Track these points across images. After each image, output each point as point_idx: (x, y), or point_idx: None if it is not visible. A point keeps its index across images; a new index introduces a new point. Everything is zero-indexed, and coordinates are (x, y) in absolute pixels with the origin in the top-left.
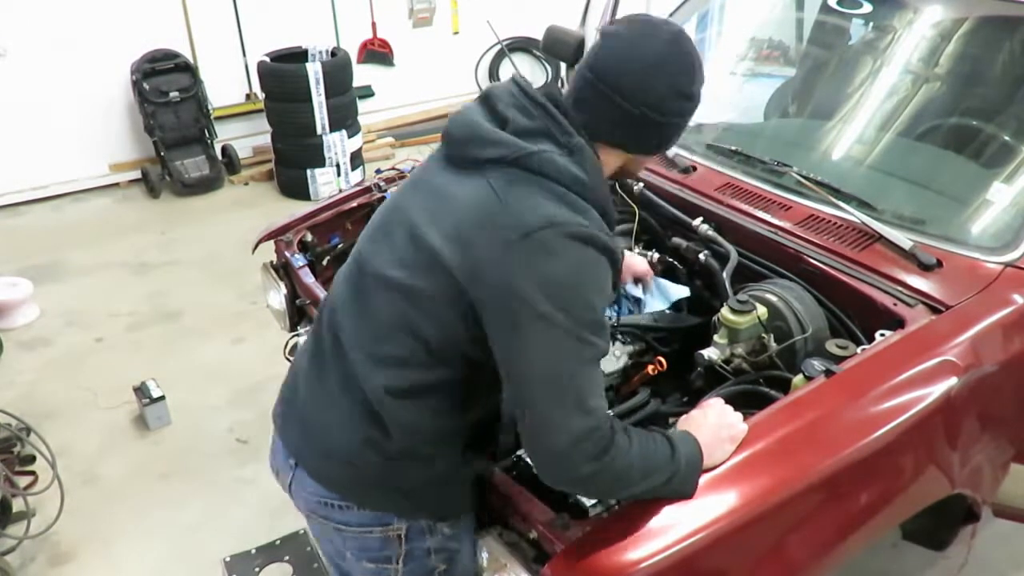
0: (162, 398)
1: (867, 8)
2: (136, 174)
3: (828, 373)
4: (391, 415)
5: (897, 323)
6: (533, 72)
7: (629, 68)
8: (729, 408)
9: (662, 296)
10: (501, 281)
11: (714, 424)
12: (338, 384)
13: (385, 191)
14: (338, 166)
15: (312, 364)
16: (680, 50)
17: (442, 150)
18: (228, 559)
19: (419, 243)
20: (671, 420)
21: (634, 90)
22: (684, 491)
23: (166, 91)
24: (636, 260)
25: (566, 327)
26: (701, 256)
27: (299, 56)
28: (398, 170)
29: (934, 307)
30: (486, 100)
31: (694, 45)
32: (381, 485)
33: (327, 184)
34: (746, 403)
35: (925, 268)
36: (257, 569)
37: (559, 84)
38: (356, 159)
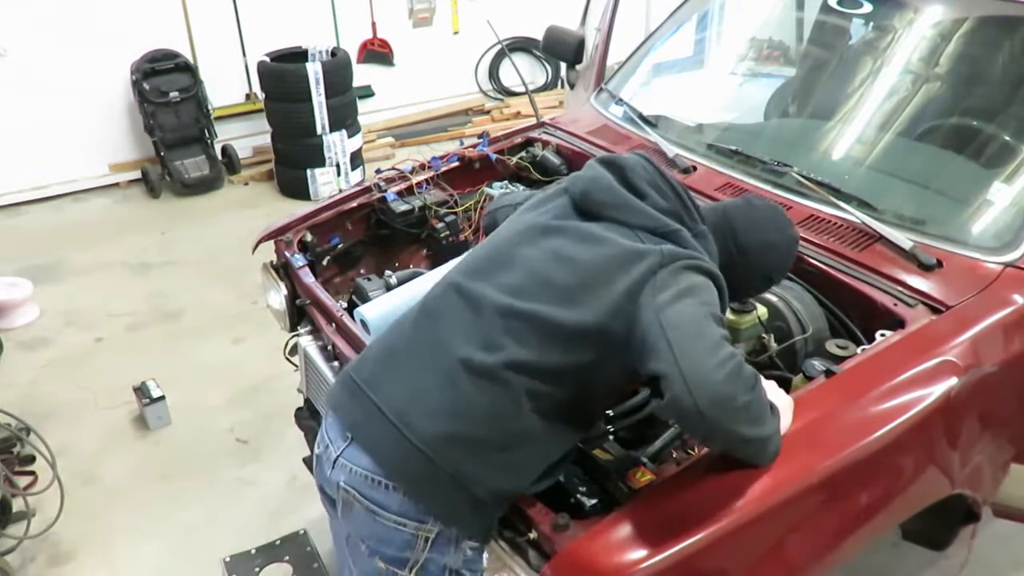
0: (162, 398)
1: (867, 8)
2: (136, 174)
3: (828, 373)
4: (498, 416)
5: (897, 323)
6: (533, 72)
7: (756, 232)
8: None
9: None
10: (652, 302)
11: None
12: (445, 366)
13: (385, 191)
14: (338, 166)
15: (423, 337)
16: (788, 247)
17: (570, 202)
18: (228, 559)
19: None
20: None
21: (747, 249)
22: (776, 452)
23: (166, 91)
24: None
25: (701, 304)
26: None
27: (299, 56)
28: (398, 170)
29: (934, 307)
30: (619, 169)
31: (796, 245)
32: (442, 483)
33: (327, 184)
34: None
35: (925, 268)
36: (257, 569)
37: (559, 85)
38: (356, 159)
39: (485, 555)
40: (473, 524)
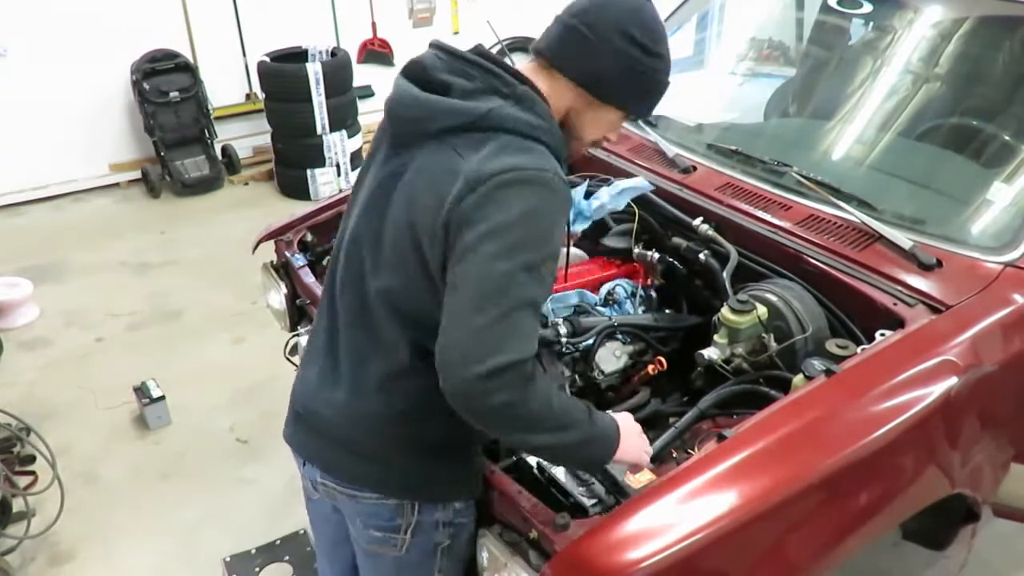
0: (162, 398)
1: (867, 8)
2: (136, 174)
3: (828, 373)
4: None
5: (897, 323)
6: None
7: (599, 7)
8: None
9: (618, 196)
10: (465, 223)
11: (629, 424)
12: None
13: None
14: (338, 166)
15: (327, 357)
16: (644, 10)
17: (388, 137)
18: (228, 559)
19: (402, 233)
20: (671, 420)
21: (581, 10)
22: (593, 458)
23: (166, 91)
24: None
25: (519, 261)
26: (701, 256)
27: (299, 56)
28: None
29: (934, 307)
30: (418, 71)
31: (655, 10)
32: (387, 465)
33: (327, 184)
34: (746, 403)
35: (925, 268)
36: (257, 569)
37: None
38: (356, 159)
39: (473, 507)
40: (441, 486)
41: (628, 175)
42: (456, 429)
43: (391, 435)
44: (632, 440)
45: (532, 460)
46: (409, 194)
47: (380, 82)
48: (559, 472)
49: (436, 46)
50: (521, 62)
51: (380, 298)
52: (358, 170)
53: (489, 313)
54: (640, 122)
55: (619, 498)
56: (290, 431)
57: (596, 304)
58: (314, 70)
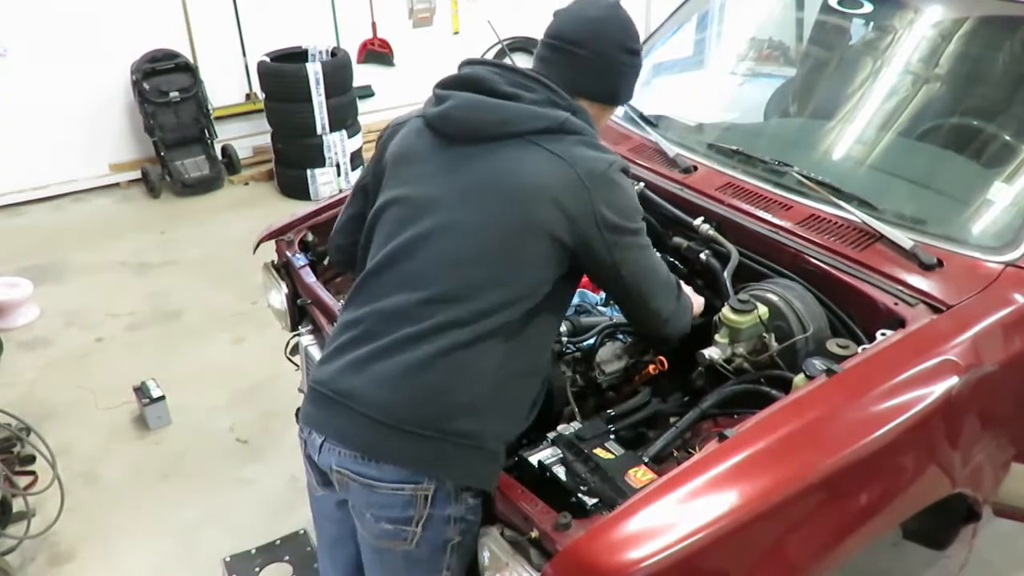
0: (162, 398)
1: (867, 8)
2: (136, 174)
3: (829, 372)
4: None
5: (898, 322)
6: None
7: (580, 24)
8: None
9: None
10: (599, 219)
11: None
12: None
13: None
14: (338, 166)
15: (368, 343)
16: (617, 12)
17: (448, 141)
18: (228, 559)
19: (497, 214)
20: (672, 420)
21: (586, 40)
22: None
23: (166, 91)
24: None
25: (642, 237)
26: (702, 256)
27: (299, 56)
28: None
29: (935, 307)
30: (475, 83)
31: (628, 15)
32: (419, 444)
33: (327, 184)
34: (747, 403)
35: (926, 268)
36: (257, 569)
37: None
38: (356, 159)
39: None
40: (465, 473)
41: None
42: (500, 413)
43: (441, 408)
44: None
45: (534, 459)
46: (514, 190)
47: (380, 82)
48: (560, 471)
49: (479, 62)
50: (521, 60)
51: (473, 278)
52: (359, 170)
53: (661, 282)
54: (641, 122)
55: (619, 498)
56: (318, 413)
57: (597, 304)
58: (314, 70)
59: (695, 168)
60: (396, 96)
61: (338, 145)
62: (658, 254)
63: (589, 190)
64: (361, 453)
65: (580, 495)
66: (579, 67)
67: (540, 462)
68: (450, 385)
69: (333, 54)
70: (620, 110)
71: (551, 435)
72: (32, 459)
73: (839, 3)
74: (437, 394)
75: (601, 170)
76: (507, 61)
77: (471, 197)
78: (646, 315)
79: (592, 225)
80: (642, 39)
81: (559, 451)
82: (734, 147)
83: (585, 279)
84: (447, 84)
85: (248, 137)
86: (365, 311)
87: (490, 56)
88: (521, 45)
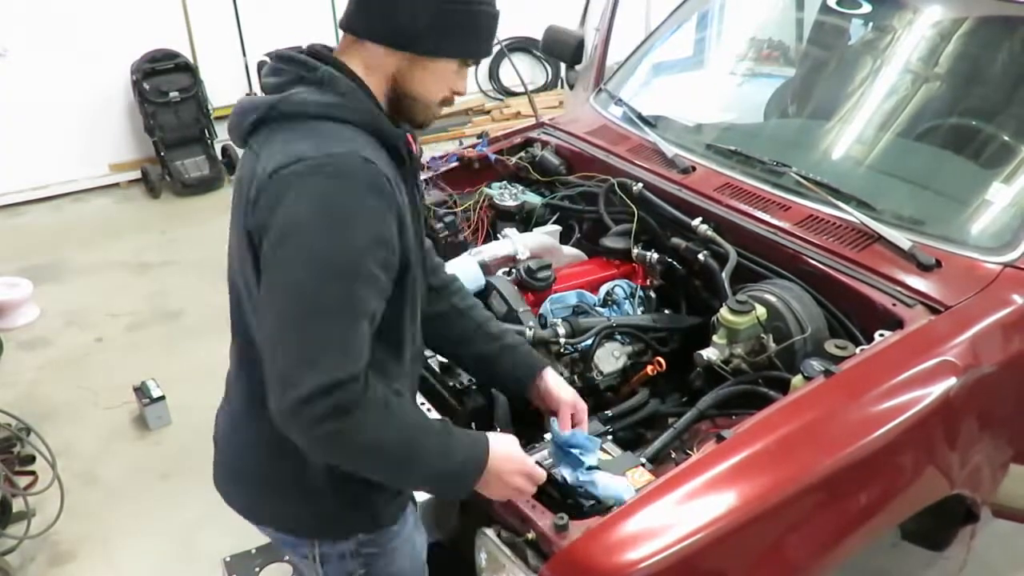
0: (162, 398)
1: (867, 8)
2: (136, 174)
3: (827, 373)
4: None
5: (896, 323)
6: (533, 72)
7: None
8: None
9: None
10: (262, 230)
11: (505, 456)
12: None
13: None
14: None
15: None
16: None
17: None
18: (228, 559)
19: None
20: (670, 420)
21: None
22: (445, 493)
23: (166, 91)
24: (559, 387)
25: (321, 264)
26: (700, 256)
27: None
28: None
29: (933, 307)
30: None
31: None
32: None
33: None
34: (745, 404)
35: (924, 268)
36: (257, 569)
37: (559, 85)
38: None
39: (395, 531)
40: (335, 525)
41: (628, 175)
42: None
43: (268, 468)
44: (503, 476)
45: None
46: (234, 209)
47: None
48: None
49: (269, 55)
50: (521, 61)
51: (239, 319)
52: None
53: (300, 328)
54: (639, 122)
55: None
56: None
57: (595, 305)
58: None
59: (693, 168)
60: None
61: None
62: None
63: (259, 191)
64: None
65: (577, 496)
66: (375, 9)
67: (537, 463)
68: (265, 447)
69: None
70: (618, 110)
71: (548, 436)
72: (32, 459)
73: (838, 3)
74: (261, 457)
75: (278, 164)
76: (508, 60)
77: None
78: (267, 370)
79: (258, 227)
80: (642, 39)
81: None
82: (732, 147)
83: (581, 280)
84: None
85: None
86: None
87: (489, 56)
88: (521, 45)
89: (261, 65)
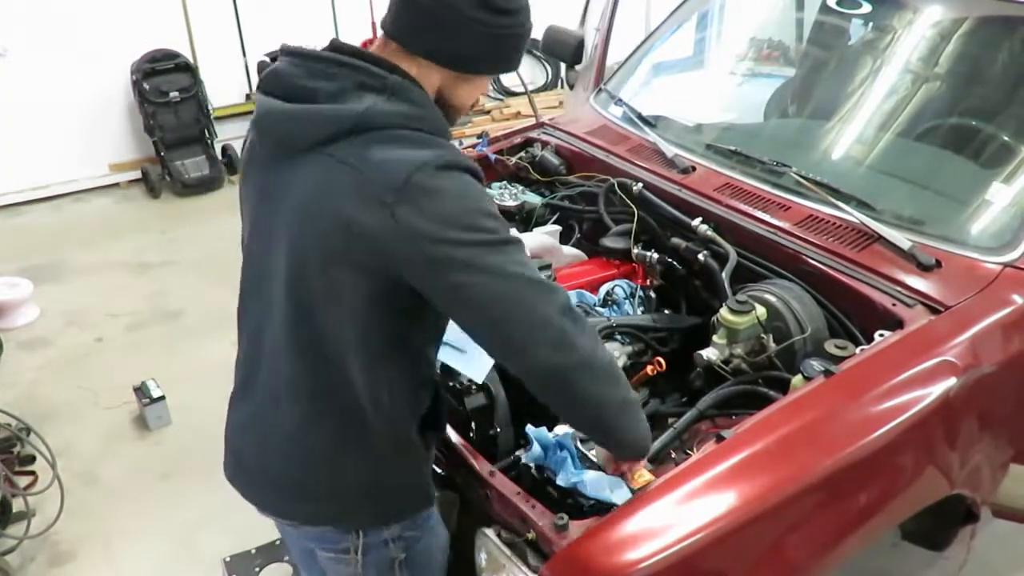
0: (162, 398)
1: (867, 8)
2: (136, 174)
3: (827, 373)
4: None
5: (896, 323)
6: (533, 72)
7: None
8: None
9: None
10: (406, 242)
11: None
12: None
13: None
14: None
15: (250, 392)
16: None
17: (266, 150)
18: (228, 559)
19: (300, 252)
20: (670, 420)
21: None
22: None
23: (166, 91)
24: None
25: (484, 246)
26: (700, 256)
27: None
28: None
29: (933, 307)
30: (274, 83)
31: None
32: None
33: None
34: (745, 404)
35: (924, 268)
36: (257, 569)
37: (559, 85)
38: None
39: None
40: (377, 517)
41: (628, 175)
42: (398, 450)
43: (331, 467)
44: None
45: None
46: (312, 222)
47: None
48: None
49: (287, 52)
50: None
51: (302, 327)
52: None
53: (541, 303)
54: (639, 122)
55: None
56: (232, 472)
57: (595, 304)
58: None
59: (693, 168)
60: None
61: None
62: (550, 282)
63: (389, 205)
64: (267, 511)
65: (577, 496)
66: (420, 21)
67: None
68: (333, 447)
69: None
70: (618, 110)
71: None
72: (32, 459)
73: (838, 3)
74: (324, 459)
75: (401, 177)
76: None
77: (279, 230)
78: (523, 363)
79: (402, 243)
80: (642, 39)
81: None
82: (732, 147)
83: (581, 279)
84: (259, 85)
85: None
86: (243, 352)
87: None
88: None
89: (261, 65)
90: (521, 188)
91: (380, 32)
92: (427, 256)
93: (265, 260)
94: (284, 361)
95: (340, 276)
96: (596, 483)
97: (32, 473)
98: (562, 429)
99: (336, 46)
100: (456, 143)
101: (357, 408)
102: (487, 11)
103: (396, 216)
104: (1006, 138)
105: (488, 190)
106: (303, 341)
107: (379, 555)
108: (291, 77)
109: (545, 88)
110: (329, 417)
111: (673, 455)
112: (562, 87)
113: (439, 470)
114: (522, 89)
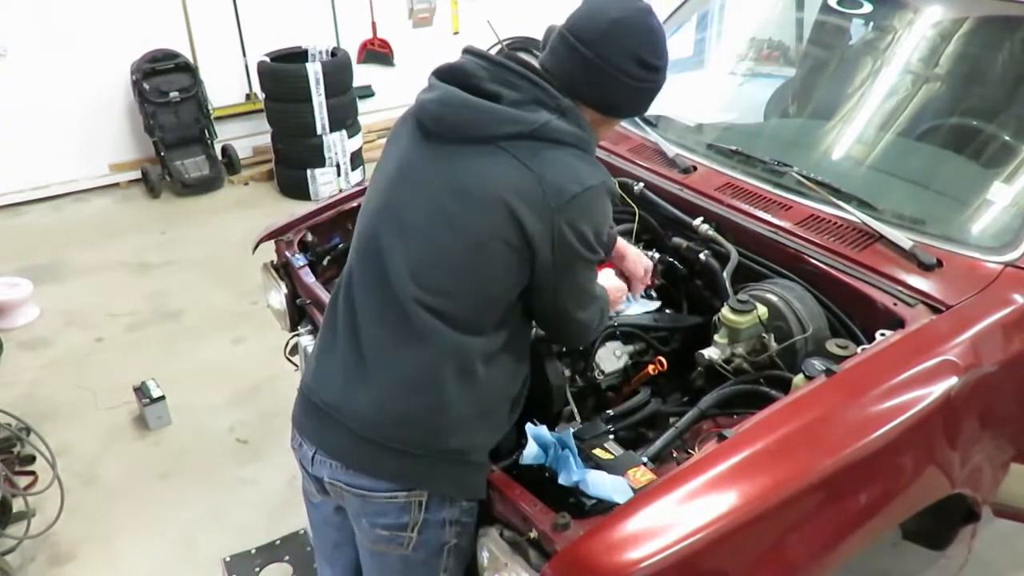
0: (162, 398)
1: (867, 8)
2: (136, 174)
3: (828, 373)
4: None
5: (897, 323)
6: None
7: (594, 22)
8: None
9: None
10: (556, 241)
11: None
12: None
13: None
14: (338, 166)
15: (349, 354)
16: (642, 19)
17: (425, 134)
18: (228, 559)
19: (459, 219)
20: (672, 420)
21: (595, 40)
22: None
23: (166, 91)
24: (638, 260)
25: (593, 259)
26: (701, 256)
27: (299, 56)
28: None
29: (934, 307)
30: (461, 77)
31: (660, 24)
32: (411, 460)
33: (327, 184)
34: (746, 403)
35: (925, 268)
36: (257, 569)
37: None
38: (356, 159)
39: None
40: (456, 487)
41: (629, 175)
42: (486, 426)
43: (429, 426)
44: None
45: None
46: (474, 198)
47: (380, 82)
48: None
49: (474, 52)
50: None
51: (426, 297)
52: (359, 170)
53: (594, 304)
54: (640, 122)
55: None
56: (309, 423)
57: None
58: (314, 70)
59: (694, 168)
60: (396, 96)
61: (338, 145)
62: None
63: (553, 211)
64: (353, 468)
65: (579, 495)
66: (580, 68)
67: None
68: (436, 404)
69: (333, 54)
70: None
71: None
72: (32, 459)
73: (839, 3)
74: (425, 413)
75: (573, 192)
76: (520, 55)
77: (435, 203)
78: (567, 328)
79: (548, 247)
80: None
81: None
82: (733, 147)
83: None
84: (439, 73)
85: (248, 137)
86: (345, 317)
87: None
88: (521, 45)
89: (262, 65)
90: None
91: (538, 63)
92: (557, 257)
93: (394, 216)
94: (388, 330)
95: (491, 252)
96: (598, 482)
97: (32, 473)
98: (563, 428)
99: (515, 58)
100: None
101: (470, 359)
102: (640, 67)
103: (554, 222)
104: (1007, 138)
105: None
106: (424, 299)
107: (434, 535)
108: (476, 77)
109: None
110: (444, 362)
111: (674, 455)
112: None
113: None
114: None
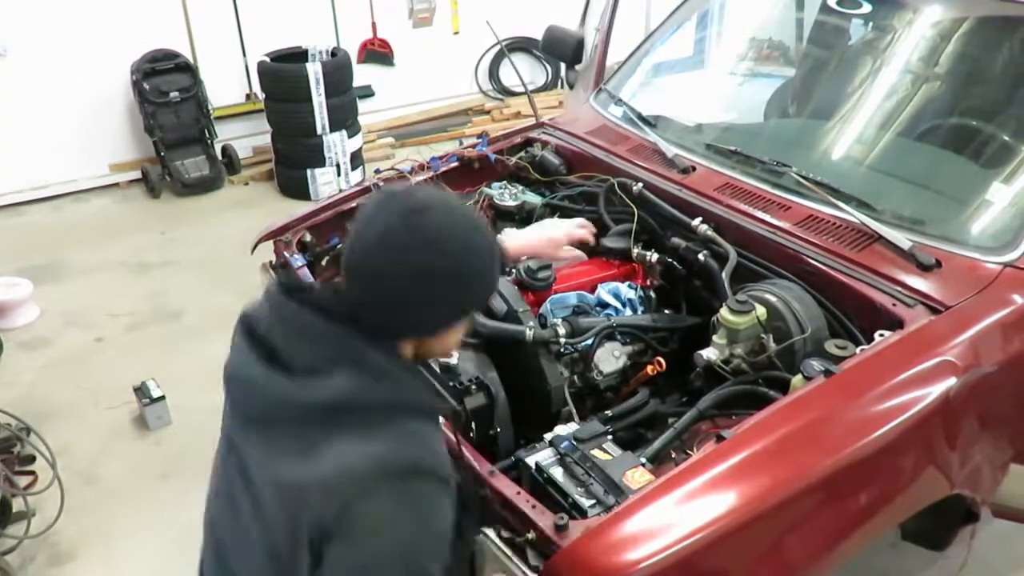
0: (162, 398)
1: (867, 8)
2: (136, 174)
3: (827, 373)
4: None
5: (896, 323)
6: (533, 72)
7: (395, 263)
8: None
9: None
10: (337, 539)
11: None
12: None
13: None
14: (338, 166)
15: None
16: (445, 229)
17: (230, 413)
18: None
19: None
20: (670, 420)
21: (400, 276)
22: None
23: (166, 91)
24: (553, 230)
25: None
26: (700, 256)
27: (299, 56)
28: (397, 170)
29: (933, 307)
30: (252, 332)
31: (447, 216)
32: None
33: (327, 184)
34: (745, 404)
35: (924, 268)
36: None
37: (559, 85)
38: (356, 159)
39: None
40: None
41: (628, 175)
42: None
43: None
44: None
45: (531, 461)
46: (261, 504)
47: (380, 82)
48: (558, 473)
49: (279, 285)
50: (521, 61)
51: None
52: (359, 170)
53: None
54: (639, 122)
55: (617, 499)
56: None
57: (595, 305)
58: (314, 70)
59: (693, 168)
60: (396, 96)
61: (338, 145)
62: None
63: (340, 503)
64: None
65: (577, 496)
66: (378, 305)
67: (537, 464)
68: None
69: (333, 54)
70: (618, 110)
71: (548, 436)
72: (32, 459)
73: (838, 3)
74: None
75: (351, 492)
76: (508, 60)
77: (253, 504)
78: None
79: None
80: (642, 39)
81: (556, 452)
82: (733, 147)
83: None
84: (242, 318)
85: (248, 137)
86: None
87: (489, 56)
88: (521, 45)
89: (262, 65)
90: (521, 188)
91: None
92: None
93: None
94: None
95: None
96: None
97: (32, 473)
98: (562, 429)
99: (306, 300)
100: (456, 143)
101: None
102: (448, 275)
103: (336, 515)
104: (1006, 138)
105: (487, 189)
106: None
107: None
108: (270, 337)
109: (545, 88)
110: None
111: (673, 455)
112: (562, 87)
113: None
114: (522, 89)
